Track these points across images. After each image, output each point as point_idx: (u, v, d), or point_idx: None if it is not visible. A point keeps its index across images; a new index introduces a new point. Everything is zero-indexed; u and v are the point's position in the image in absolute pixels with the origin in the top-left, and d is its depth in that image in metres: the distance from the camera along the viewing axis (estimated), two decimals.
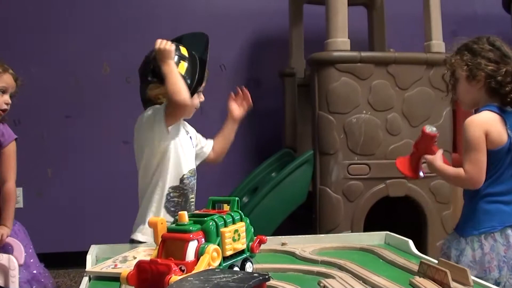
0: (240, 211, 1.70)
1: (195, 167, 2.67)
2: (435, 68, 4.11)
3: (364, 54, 3.96)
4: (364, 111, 3.97)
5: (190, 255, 1.48)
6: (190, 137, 2.67)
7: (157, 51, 2.47)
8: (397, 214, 4.42)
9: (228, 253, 1.59)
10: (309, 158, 3.98)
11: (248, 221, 1.71)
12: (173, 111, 2.45)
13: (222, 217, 1.61)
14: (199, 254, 1.49)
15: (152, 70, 2.53)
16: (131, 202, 5.06)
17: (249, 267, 1.70)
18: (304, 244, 2.18)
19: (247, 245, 1.70)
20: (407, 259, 1.93)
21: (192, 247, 1.49)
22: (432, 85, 4.11)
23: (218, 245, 1.55)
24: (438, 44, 4.18)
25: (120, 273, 1.49)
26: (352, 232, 3.73)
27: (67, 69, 5.06)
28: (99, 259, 2.01)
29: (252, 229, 1.75)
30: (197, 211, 1.69)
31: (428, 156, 2.56)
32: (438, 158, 2.52)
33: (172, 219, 2.12)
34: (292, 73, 4.86)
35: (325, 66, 3.94)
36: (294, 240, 2.23)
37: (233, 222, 1.64)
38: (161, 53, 2.46)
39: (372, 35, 5.04)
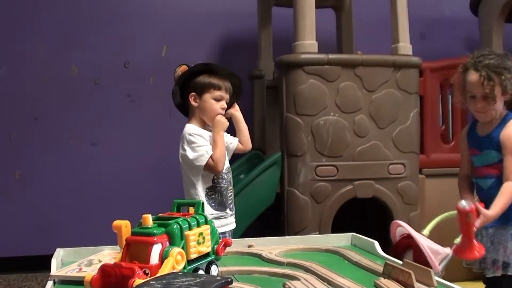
0: (204, 214, 1.70)
1: (228, 164, 3.10)
2: (402, 70, 4.15)
3: (331, 56, 3.98)
4: (332, 113, 3.98)
5: (154, 258, 1.48)
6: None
7: (215, 121, 2.96)
8: (366, 215, 4.46)
9: (193, 256, 1.58)
10: (277, 160, 3.99)
11: (213, 224, 1.71)
12: (207, 170, 2.94)
13: (187, 220, 1.60)
14: (163, 257, 1.49)
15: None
16: (99, 205, 5.07)
17: (214, 270, 1.69)
18: (270, 246, 2.19)
19: (212, 248, 1.69)
20: (372, 260, 1.94)
21: (156, 250, 1.49)
22: (399, 87, 4.14)
23: (183, 248, 1.54)
24: (405, 46, 4.22)
25: (84, 277, 1.48)
26: (320, 233, 3.74)
27: (35, 70, 5.03)
28: (64, 263, 1.99)
29: (218, 232, 1.75)
30: (161, 214, 1.68)
31: (477, 224, 2.65)
32: (485, 216, 2.67)
33: (215, 212, 2.95)
34: (261, 75, 4.86)
35: (293, 69, 3.95)
36: (260, 242, 2.23)
37: (198, 225, 1.63)
38: (217, 123, 2.96)
39: (340, 38, 5.06)
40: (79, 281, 1.61)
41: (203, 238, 1.63)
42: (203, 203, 1.73)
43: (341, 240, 2.30)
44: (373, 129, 4.08)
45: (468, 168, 2.95)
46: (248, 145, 3.24)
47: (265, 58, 4.96)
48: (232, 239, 1.87)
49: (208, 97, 2.96)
